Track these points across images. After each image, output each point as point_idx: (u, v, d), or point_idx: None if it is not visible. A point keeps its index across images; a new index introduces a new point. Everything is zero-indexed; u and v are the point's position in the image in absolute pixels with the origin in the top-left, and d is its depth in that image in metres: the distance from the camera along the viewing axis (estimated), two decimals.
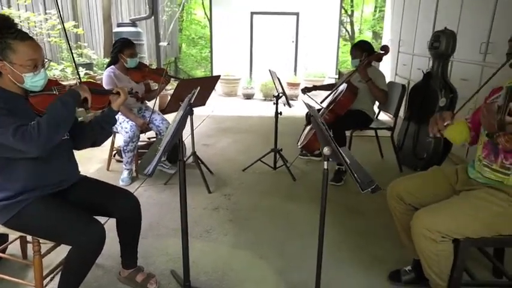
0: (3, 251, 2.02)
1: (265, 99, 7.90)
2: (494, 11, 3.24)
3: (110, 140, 3.38)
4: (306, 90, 3.71)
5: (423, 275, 1.72)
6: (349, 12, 16.06)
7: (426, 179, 1.86)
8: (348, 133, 3.41)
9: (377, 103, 3.63)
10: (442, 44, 3.25)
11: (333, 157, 1.48)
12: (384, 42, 6.66)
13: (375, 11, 15.60)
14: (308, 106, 1.64)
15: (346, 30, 16.54)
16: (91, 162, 3.75)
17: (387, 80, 3.55)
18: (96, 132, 1.85)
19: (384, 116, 3.78)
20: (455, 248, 1.58)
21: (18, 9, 4.91)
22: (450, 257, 1.59)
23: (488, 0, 3.31)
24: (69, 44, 1.70)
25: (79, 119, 1.87)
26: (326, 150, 1.47)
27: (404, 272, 1.99)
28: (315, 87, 3.82)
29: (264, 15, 8.66)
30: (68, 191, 1.75)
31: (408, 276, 1.97)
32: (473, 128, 1.74)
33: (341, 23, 14.34)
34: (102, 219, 1.66)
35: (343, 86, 3.40)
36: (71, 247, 1.59)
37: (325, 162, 1.52)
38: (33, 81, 1.58)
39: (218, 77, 3.50)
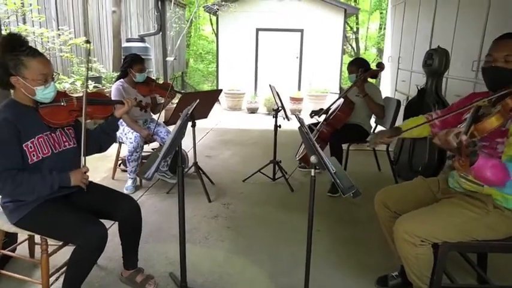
0: (13, 250, 2.15)
1: (268, 114, 8.06)
2: (484, 31, 3.39)
3: (115, 150, 3.56)
4: (314, 114, 3.72)
5: (409, 280, 1.82)
6: (355, 29, 16.35)
7: (410, 188, 1.97)
8: (345, 146, 3.53)
9: (373, 117, 3.76)
10: (435, 62, 3.38)
11: (319, 165, 1.61)
12: (385, 59, 6.82)
13: (380, 28, 15.85)
14: (298, 118, 1.77)
15: (352, 46, 16.81)
16: (97, 171, 3.90)
17: (387, 94, 3.68)
18: (101, 139, 2.02)
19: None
20: (435, 252, 1.68)
21: (33, 26, 5.16)
22: (430, 261, 1.69)
23: (479, 21, 3.46)
24: (88, 62, 1.86)
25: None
26: (313, 158, 1.61)
27: (391, 277, 2.08)
28: (322, 110, 3.75)
29: (269, 32, 8.91)
30: (74, 195, 1.88)
31: (395, 281, 2.06)
32: (439, 125, 1.88)
33: (346, 39, 14.59)
34: (107, 224, 1.78)
35: (340, 101, 3.54)
36: (75, 246, 1.72)
37: (312, 170, 1.64)
38: (44, 94, 1.74)
39: (220, 91, 3.66)
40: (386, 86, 6.54)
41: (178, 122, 1.69)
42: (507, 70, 1.57)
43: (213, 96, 3.56)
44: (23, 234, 2.15)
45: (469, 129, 1.41)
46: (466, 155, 1.31)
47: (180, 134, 1.69)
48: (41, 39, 5.09)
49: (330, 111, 3.61)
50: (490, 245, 1.69)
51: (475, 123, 1.44)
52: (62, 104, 1.85)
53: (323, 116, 3.71)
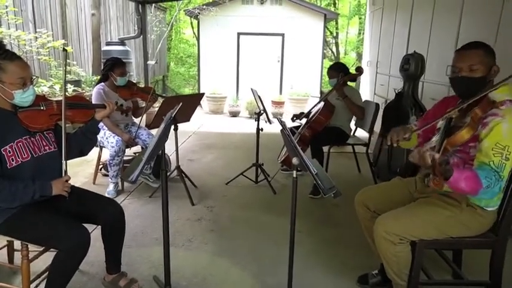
0: None
1: (250, 117, 8.10)
2: (457, 37, 3.53)
3: (96, 154, 3.52)
4: (296, 118, 3.85)
5: (388, 278, 1.88)
6: (334, 34, 16.61)
7: (389, 189, 2.04)
8: (325, 149, 3.60)
9: (353, 120, 3.85)
10: (412, 66, 3.49)
11: (300, 166, 1.65)
12: (363, 63, 6.98)
13: (359, 33, 16.15)
14: (280, 121, 1.81)
15: (332, 51, 17.06)
16: (77, 176, 3.84)
17: (367, 98, 3.77)
18: (82, 142, 2.00)
19: (361, 133, 3.98)
20: (413, 249, 1.74)
21: (9, 28, 5.04)
22: (408, 258, 1.75)
23: (452, 28, 3.60)
24: (65, 67, 1.85)
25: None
26: (295, 160, 1.65)
27: (371, 275, 2.14)
28: (303, 114, 3.87)
29: (250, 36, 8.97)
30: (57, 199, 1.86)
31: (375, 279, 2.12)
32: (421, 134, 1.94)
33: (326, 44, 14.81)
34: (89, 228, 1.77)
35: (321, 104, 3.61)
36: (57, 251, 1.70)
37: (294, 171, 1.68)
38: (23, 98, 1.72)
39: (202, 94, 3.67)
40: (365, 90, 6.69)
41: (162, 125, 1.70)
42: (473, 79, 1.66)
43: (195, 99, 3.57)
44: (1, 241, 2.11)
45: (441, 145, 1.47)
46: (440, 173, 1.36)
47: (164, 137, 1.70)
48: (18, 42, 4.98)
49: (311, 115, 3.68)
50: (464, 242, 1.77)
51: (447, 136, 1.51)
52: (42, 108, 1.83)
53: (304, 119, 3.78)
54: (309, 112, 3.82)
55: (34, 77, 1.79)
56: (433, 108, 2.02)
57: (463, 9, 3.48)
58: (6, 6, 4.94)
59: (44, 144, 1.84)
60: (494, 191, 1.49)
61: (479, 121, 1.56)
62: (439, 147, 1.46)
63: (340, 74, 3.59)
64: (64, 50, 1.86)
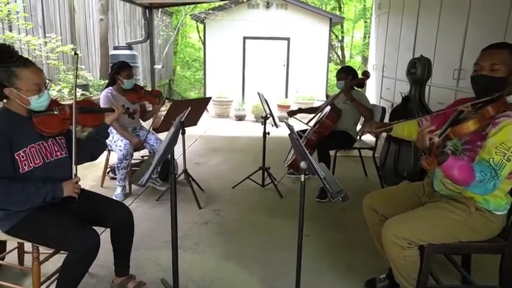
0: (1, 259, 2.13)
1: (256, 121, 8.11)
2: (464, 41, 3.52)
3: (104, 157, 3.55)
4: (291, 114, 3.91)
5: (396, 282, 1.87)
6: (340, 38, 16.62)
7: (397, 193, 2.04)
8: (332, 153, 3.61)
9: (359, 125, 3.85)
10: (418, 70, 3.48)
11: (309, 170, 1.66)
12: (369, 67, 6.97)
13: (365, 37, 16.13)
14: (287, 125, 1.82)
15: (337, 54, 17.07)
16: (85, 179, 3.87)
17: (373, 102, 3.78)
18: (92, 146, 2.03)
19: (368, 137, 3.98)
20: (421, 254, 1.74)
21: (19, 33, 5.12)
22: (416, 262, 1.75)
23: (459, 32, 3.60)
24: (76, 71, 1.88)
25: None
26: (303, 164, 1.66)
27: (379, 279, 2.13)
28: (300, 110, 4.01)
29: (256, 40, 9.02)
30: (67, 201, 1.88)
31: (383, 283, 2.11)
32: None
33: (332, 47, 14.84)
34: (98, 230, 1.79)
35: (328, 108, 3.62)
36: (67, 254, 1.72)
37: (302, 175, 1.69)
38: (39, 102, 1.75)
39: (209, 98, 3.70)
40: (371, 94, 6.68)
41: (172, 129, 1.72)
42: (493, 78, 1.65)
43: (202, 103, 3.59)
44: (12, 243, 2.14)
45: (445, 130, 1.50)
46: (435, 155, 1.41)
47: (173, 141, 1.72)
48: (28, 46, 5.06)
49: (318, 119, 3.69)
50: (473, 246, 1.77)
51: (453, 125, 1.53)
52: (55, 112, 1.86)
53: (310, 123, 3.79)
54: (310, 109, 3.85)
55: (48, 82, 1.82)
56: (446, 108, 2.01)
57: (469, 14, 3.47)
58: (17, 12, 5.02)
59: (56, 149, 1.87)
60: (487, 188, 1.50)
61: (490, 119, 1.56)
62: (442, 133, 1.48)
63: (349, 77, 3.61)
64: (76, 54, 1.89)
